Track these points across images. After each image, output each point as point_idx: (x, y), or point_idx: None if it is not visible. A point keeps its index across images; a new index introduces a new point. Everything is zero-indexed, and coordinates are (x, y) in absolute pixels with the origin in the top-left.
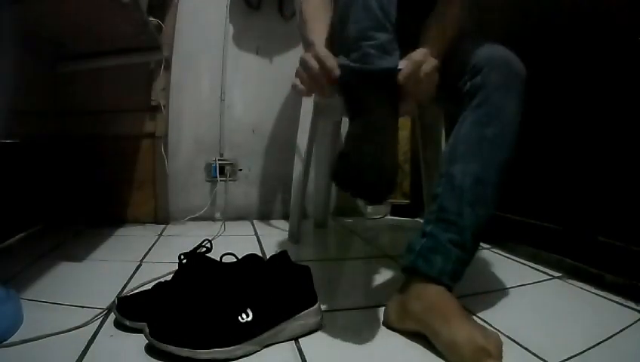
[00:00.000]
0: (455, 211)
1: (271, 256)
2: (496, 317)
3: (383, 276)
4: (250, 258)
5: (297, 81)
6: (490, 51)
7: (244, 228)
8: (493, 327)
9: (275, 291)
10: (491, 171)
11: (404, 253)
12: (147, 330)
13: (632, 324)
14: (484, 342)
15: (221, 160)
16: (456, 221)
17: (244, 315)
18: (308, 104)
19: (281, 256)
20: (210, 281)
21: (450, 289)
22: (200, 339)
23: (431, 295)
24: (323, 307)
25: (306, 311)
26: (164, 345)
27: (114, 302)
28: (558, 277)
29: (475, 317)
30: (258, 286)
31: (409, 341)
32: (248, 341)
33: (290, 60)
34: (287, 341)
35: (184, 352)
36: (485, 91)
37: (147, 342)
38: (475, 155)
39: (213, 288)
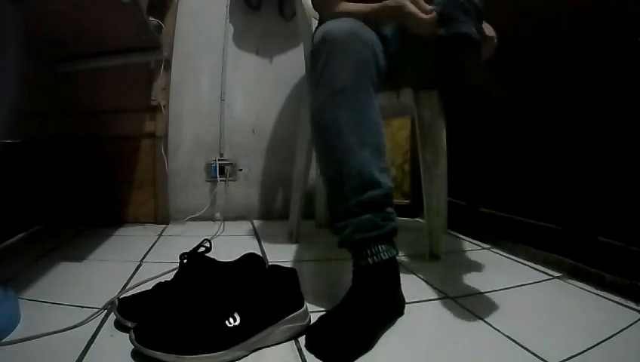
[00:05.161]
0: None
1: (259, 257)
2: (497, 317)
3: None
4: (249, 257)
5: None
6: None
7: (244, 228)
8: (493, 327)
9: (262, 295)
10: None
11: None
12: (133, 336)
13: (632, 324)
14: None
15: (221, 160)
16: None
17: (231, 319)
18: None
19: (255, 257)
20: (204, 284)
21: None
22: (187, 344)
23: None
24: (324, 307)
25: (293, 314)
26: (150, 351)
27: (114, 303)
28: (558, 277)
29: (475, 317)
30: (245, 290)
31: (409, 340)
32: (236, 346)
33: (290, 60)
34: (274, 345)
35: (170, 358)
36: None
37: (133, 347)
38: None
39: (204, 291)
